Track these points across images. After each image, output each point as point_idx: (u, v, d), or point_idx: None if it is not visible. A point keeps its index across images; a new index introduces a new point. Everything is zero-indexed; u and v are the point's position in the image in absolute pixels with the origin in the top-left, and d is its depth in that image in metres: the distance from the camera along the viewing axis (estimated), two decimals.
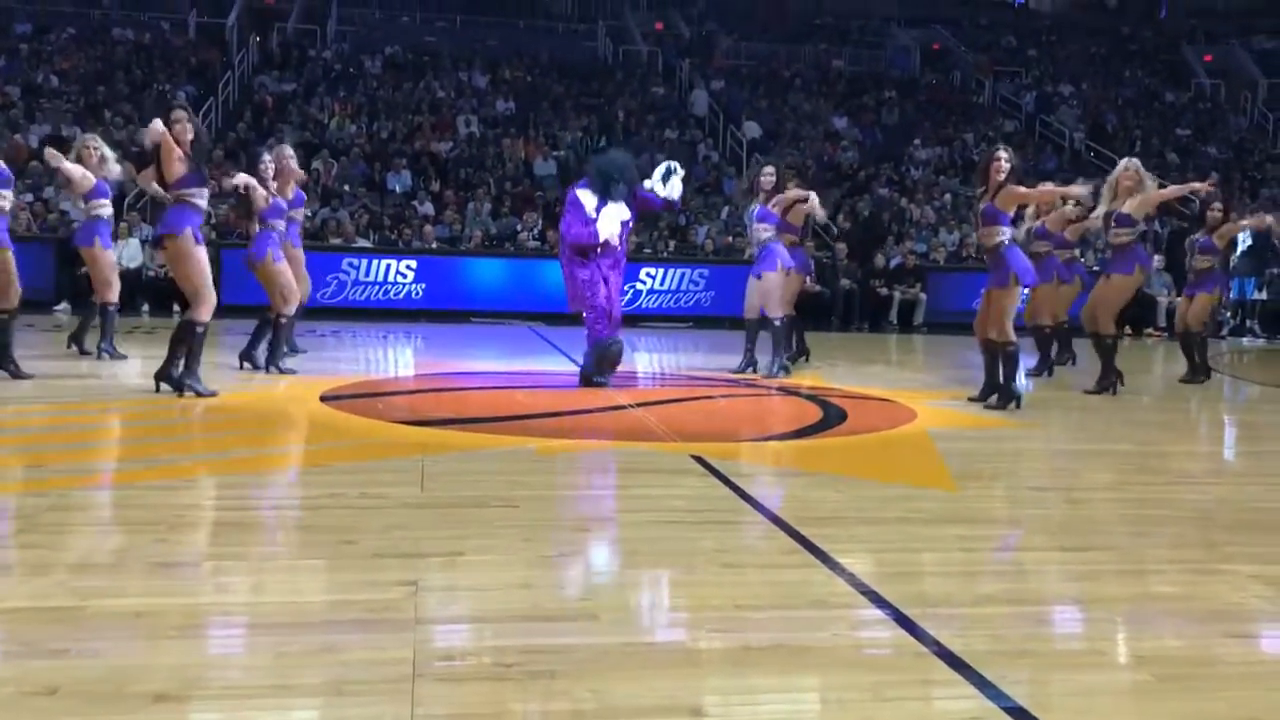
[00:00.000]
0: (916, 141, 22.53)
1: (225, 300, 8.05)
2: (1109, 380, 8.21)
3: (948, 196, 20.24)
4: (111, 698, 2.30)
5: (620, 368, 7.98)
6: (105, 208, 8.43)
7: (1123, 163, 8.29)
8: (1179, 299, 10.16)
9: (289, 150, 8.89)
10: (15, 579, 3.13)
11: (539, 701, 2.36)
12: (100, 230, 8.36)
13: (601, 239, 7.70)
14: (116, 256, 13.73)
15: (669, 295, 15.87)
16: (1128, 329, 14.58)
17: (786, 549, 3.66)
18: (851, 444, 5.96)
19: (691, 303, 15.65)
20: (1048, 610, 3.21)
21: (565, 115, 21.45)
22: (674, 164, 8.11)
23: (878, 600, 3.10)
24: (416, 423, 6.11)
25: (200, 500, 4.19)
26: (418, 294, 15.07)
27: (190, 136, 6.62)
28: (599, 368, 7.77)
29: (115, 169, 8.53)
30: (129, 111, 18.96)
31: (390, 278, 15.03)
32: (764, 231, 8.87)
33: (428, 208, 17.04)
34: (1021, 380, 7.49)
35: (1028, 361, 8.75)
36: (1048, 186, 8.11)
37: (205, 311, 6.62)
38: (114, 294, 8.59)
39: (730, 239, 16.97)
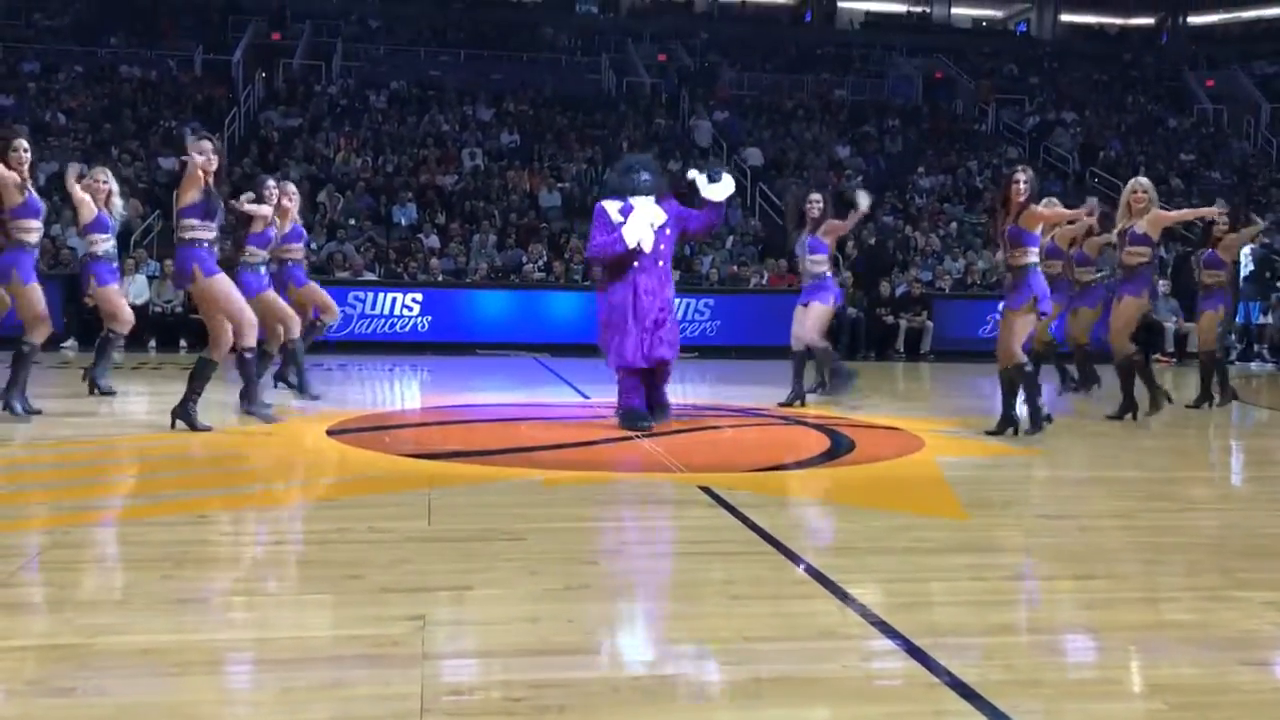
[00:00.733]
0: (920, 169, 22.59)
1: None
2: (1128, 405, 8.10)
3: (953, 224, 20.28)
4: None
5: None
6: (101, 243, 8.36)
7: (1132, 182, 8.23)
8: (1189, 324, 9.98)
9: (292, 188, 8.90)
10: (21, 617, 3.12)
11: None
12: (95, 269, 8.33)
13: (631, 244, 6.95)
14: (123, 293, 13.92)
15: None
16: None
17: (795, 580, 3.63)
18: (860, 473, 5.94)
19: (697, 333, 15.65)
20: (1060, 639, 3.18)
21: (569, 147, 21.55)
22: (720, 168, 7.37)
23: (888, 630, 3.08)
24: (423, 456, 6.10)
25: (207, 536, 4.17)
26: (424, 327, 15.08)
27: (214, 169, 6.69)
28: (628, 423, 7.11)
29: (119, 204, 8.57)
30: (136, 148, 19.10)
31: (396, 311, 15.06)
32: (818, 265, 8.78)
33: (433, 240, 17.11)
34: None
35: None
36: (1058, 208, 8.14)
37: (248, 336, 6.83)
38: (119, 326, 8.50)
39: (735, 268, 17.00)
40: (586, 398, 9.55)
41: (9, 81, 21.29)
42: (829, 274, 8.84)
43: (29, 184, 7.08)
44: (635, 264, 7.00)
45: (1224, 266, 9.13)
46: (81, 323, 12.97)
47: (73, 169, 8.20)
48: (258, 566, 3.83)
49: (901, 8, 37.00)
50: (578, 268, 16.60)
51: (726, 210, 7.21)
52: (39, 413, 7.08)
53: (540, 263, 16.67)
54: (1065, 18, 37.21)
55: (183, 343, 13.89)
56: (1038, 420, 7.10)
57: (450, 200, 18.76)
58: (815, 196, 9.04)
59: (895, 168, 22.90)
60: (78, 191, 8.18)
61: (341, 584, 3.45)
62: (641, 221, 6.97)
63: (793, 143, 23.31)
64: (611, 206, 7.03)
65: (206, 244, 6.72)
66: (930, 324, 16.17)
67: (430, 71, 25.50)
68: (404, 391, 10.70)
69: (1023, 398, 7.19)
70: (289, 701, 2.50)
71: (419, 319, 15.08)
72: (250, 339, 6.86)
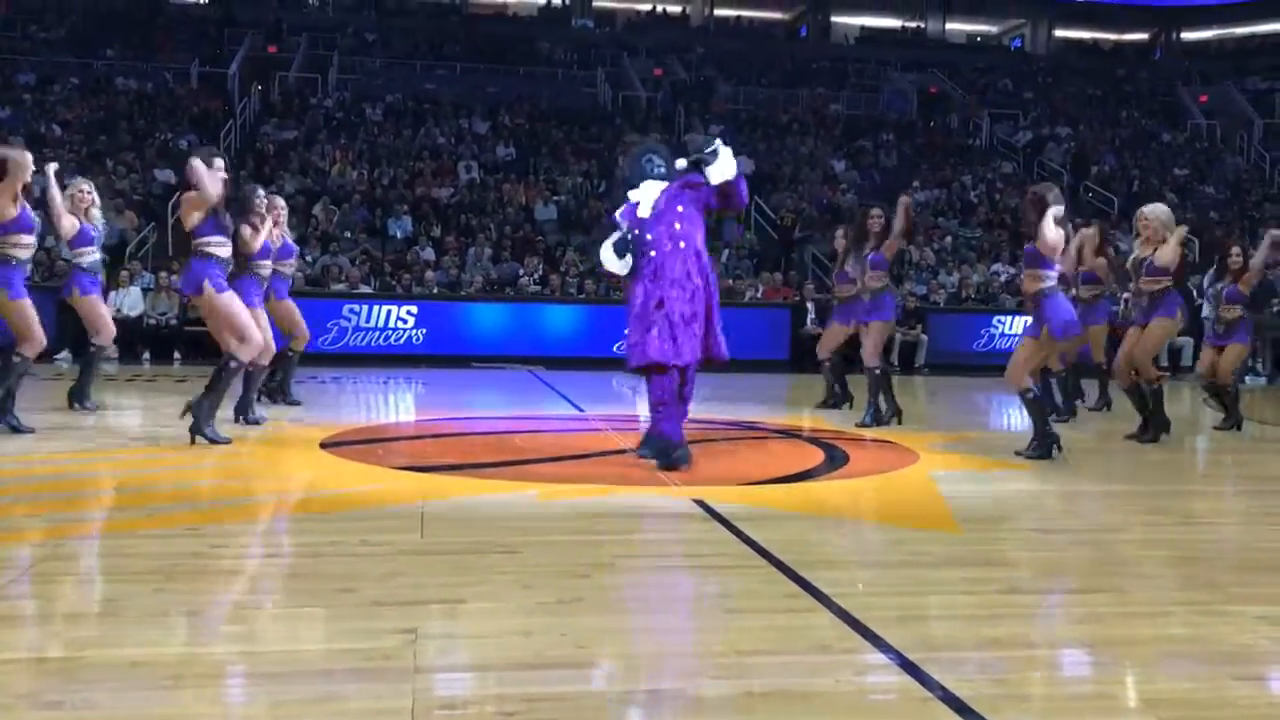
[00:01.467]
0: (915, 183, 22.65)
1: None
2: (1158, 426, 7.90)
3: (947, 238, 20.33)
4: None
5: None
6: (87, 255, 8.25)
7: (1140, 212, 8.08)
8: (1183, 339, 9.74)
9: (281, 202, 8.82)
10: (10, 630, 3.10)
11: None
12: (79, 279, 8.24)
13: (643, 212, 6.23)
14: (117, 305, 13.90)
15: None
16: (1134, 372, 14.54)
17: (789, 593, 3.63)
18: (854, 487, 5.93)
19: None
20: (1054, 653, 3.18)
21: (565, 160, 21.59)
22: (708, 142, 6.24)
23: (882, 645, 3.07)
24: (417, 469, 6.09)
25: (198, 549, 4.15)
26: (419, 339, 15.08)
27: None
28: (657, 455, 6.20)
29: (97, 215, 8.40)
30: (131, 160, 19.11)
31: (391, 323, 15.05)
32: (877, 280, 8.42)
33: (429, 253, 17.11)
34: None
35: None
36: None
37: (247, 352, 6.78)
38: (101, 338, 8.39)
39: (730, 281, 17.01)
40: (581, 411, 9.54)
41: (4, 93, 21.32)
42: (890, 292, 8.53)
43: (21, 197, 7.04)
44: (650, 254, 6.12)
45: (1243, 300, 8.94)
46: (76, 335, 12.93)
47: (51, 166, 7.85)
48: (249, 579, 3.81)
49: (896, 23, 37.17)
50: (573, 281, 16.62)
51: (741, 184, 6.11)
52: (32, 431, 7.01)
53: (536, 276, 16.68)
54: (1059, 33, 37.41)
55: (176, 355, 13.88)
56: (1046, 445, 6.93)
57: (446, 213, 18.78)
58: (876, 211, 8.71)
59: (890, 182, 22.96)
60: (59, 196, 7.92)
61: (333, 597, 3.44)
62: (650, 192, 6.27)
63: (788, 156, 23.38)
64: (632, 196, 6.38)
65: (221, 260, 6.78)
66: (925, 337, 16.20)
67: (426, 85, 25.57)
68: (398, 404, 10.69)
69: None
70: (280, 715, 2.48)
71: (414, 332, 15.07)
72: (248, 355, 6.84)
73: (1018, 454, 6.88)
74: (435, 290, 15.87)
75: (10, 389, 7.08)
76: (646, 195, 6.26)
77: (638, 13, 35.43)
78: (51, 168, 7.84)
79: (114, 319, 13.55)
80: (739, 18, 36.29)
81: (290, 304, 8.97)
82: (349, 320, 14.80)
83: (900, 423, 8.55)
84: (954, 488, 5.83)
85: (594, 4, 34.88)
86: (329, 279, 15.59)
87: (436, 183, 19.82)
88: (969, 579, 3.93)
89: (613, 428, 7.74)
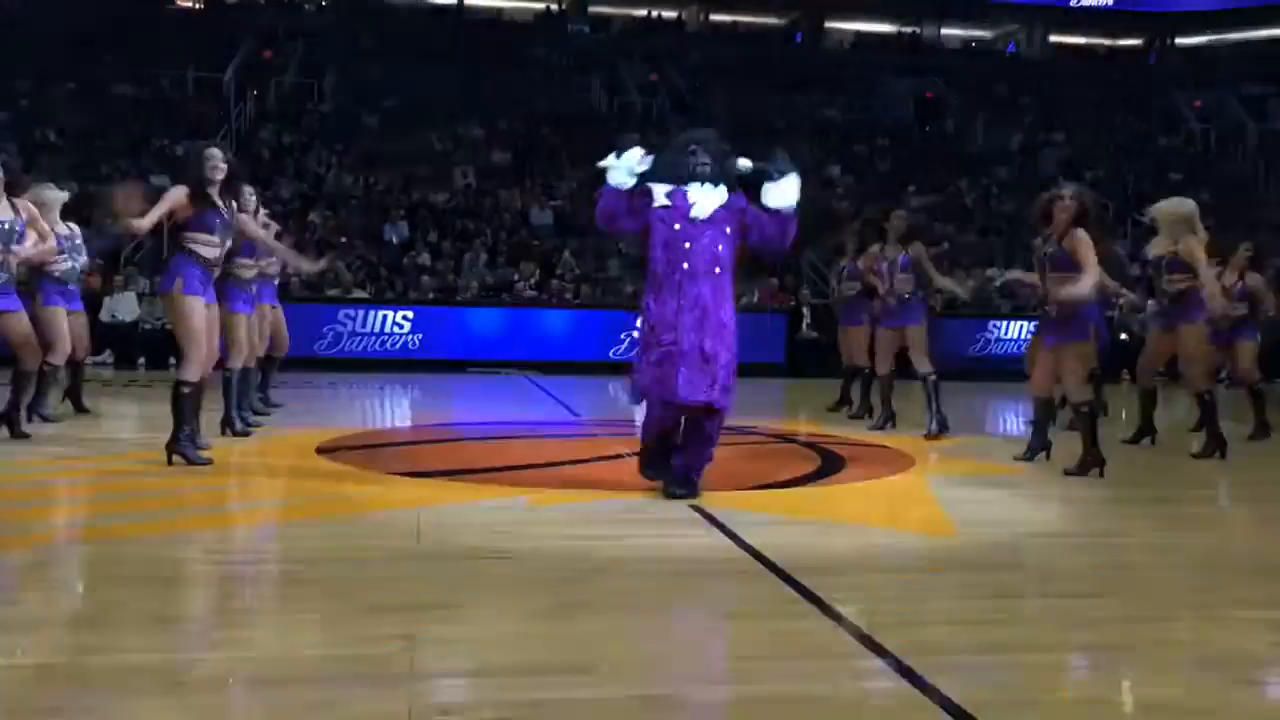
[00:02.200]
0: (911, 188, 22.68)
1: None
2: (1216, 443, 7.59)
3: (944, 244, 20.33)
4: None
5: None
6: (58, 264, 7.76)
7: (1158, 206, 7.84)
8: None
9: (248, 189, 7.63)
10: (6, 636, 3.09)
11: None
12: (44, 287, 7.72)
13: (697, 214, 5.32)
14: (112, 311, 13.88)
15: None
16: (1126, 373, 14.52)
17: (786, 598, 3.62)
18: (850, 491, 5.93)
19: None
20: (1052, 658, 3.17)
21: (561, 165, 21.59)
22: (784, 160, 5.64)
23: (878, 650, 3.06)
24: (413, 474, 6.08)
25: (195, 555, 4.15)
26: (415, 344, 15.06)
27: (220, 176, 6.13)
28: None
29: (56, 218, 7.87)
30: (127, 166, 19.08)
31: (387, 329, 15.03)
32: (907, 284, 8.14)
33: (425, 258, 17.11)
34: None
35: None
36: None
37: (192, 371, 6.12)
38: (55, 357, 7.68)
39: None
40: (577, 416, 9.53)
41: (1, 99, 21.28)
42: (919, 297, 8.17)
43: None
44: (684, 266, 5.27)
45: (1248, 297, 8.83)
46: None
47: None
48: (245, 585, 3.80)
49: (891, 28, 37.19)
50: (569, 285, 16.62)
51: (794, 218, 5.41)
52: (28, 437, 7.00)
53: (532, 281, 16.68)
54: (1054, 38, 37.43)
55: (172, 360, 13.82)
56: (1037, 447, 6.93)
57: (442, 218, 18.77)
58: (900, 213, 8.56)
59: (886, 186, 22.99)
60: (31, 208, 7.21)
61: (330, 603, 3.43)
62: (709, 199, 5.36)
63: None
64: (659, 189, 5.43)
65: (202, 261, 6.13)
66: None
67: (422, 90, 25.54)
68: (394, 409, 10.67)
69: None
70: None
71: (410, 337, 15.05)
72: (193, 374, 6.13)
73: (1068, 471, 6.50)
74: (431, 295, 15.85)
75: (43, 389, 7.42)
76: (703, 198, 5.35)
77: (633, 18, 35.42)
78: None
79: (108, 324, 13.74)
80: (734, 23, 36.29)
81: (278, 311, 8.54)
82: (345, 325, 14.78)
83: (895, 427, 8.55)
84: (950, 492, 5.83)
85: (590, 9, 34.86)
86: (324, 284, 15.58)
87: (432, 187, 19.81)
88: (965, 583, 3.93)
89: (607, 432, 7.73)
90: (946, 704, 2.66)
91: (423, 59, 27.67)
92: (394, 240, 17.81)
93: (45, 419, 7.79)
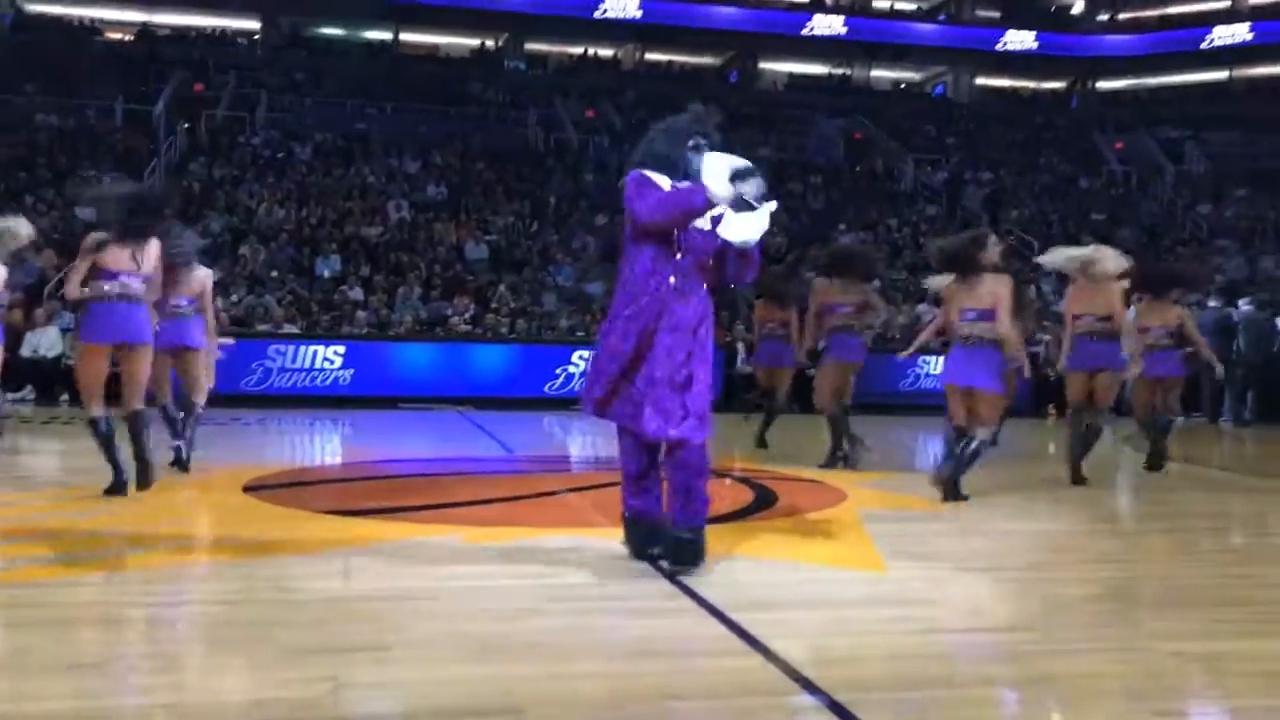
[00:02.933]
0: (842, 226, 23.02)
1: None
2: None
3: (875, 280, 20.61)
4: None
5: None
6: None
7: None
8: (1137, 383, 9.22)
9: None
10: None
11: None
12: None
13: (738, 237, 4.47)
14: (34, 346, 13.53)
15: None
16: (1051, 408, 14.79)
17: (716, 635, 3.62)
18: (782, 526, 5.96)
19: None
20: (980, 692, 3.20)
21: (496, 200, 21.59)
22: (757, 182, 4.49)
23: (810, 687, 3.07)
24: (342, 512, 6.00)
25: (112, 597, 4.04)
26: (346, 380, 14.88)
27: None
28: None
29: None
30: (52, 198, 18.72)
31: (317, 364, 14.84)
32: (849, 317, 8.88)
33: (357, 292, 16.96)
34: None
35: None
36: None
37: (93, 408, 6.21)
38: None
39: None
40: (511, 452, 9.48)
41: None
42: (854, 330, 8.78)
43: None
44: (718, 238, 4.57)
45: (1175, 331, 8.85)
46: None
47: None
48: (166, 628, 3.71)
49: (823, 69, 37.88)
50: (504, 320, 16.56)
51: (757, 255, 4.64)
52: None
53: (466, 315, 16.60)
54: (981, 81, 38.38)
55: None
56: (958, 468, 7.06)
57: (375, 251, 18.65)
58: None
59: (818, 224, 23.32)
60: None
61: (254, 646, 3.36)
62: (756, 220, 4.47)
63: None
64: (659, 179, 4.64)
65: (93, 298, 6.20)
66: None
67: (356, 124, 25.43)
68: (324, 446, 10.53)
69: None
70: None
71: (340, 372, 14.87)
72: (96, 410, 6.23)
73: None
74: (364, 330, 15.70)
75: None
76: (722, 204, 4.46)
77: (570, 56, 35.69)
78: None
79: (30, 360, 13.38)
80: (670, 62, 36.70)
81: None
82: (274, 360, 14.56)
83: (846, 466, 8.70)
84: (881, 526, 5.88)
85: (526, 47, 35.05)
86: (254, 319, 15.36)
87: (366, 221, 19.68)
88: (895, 617, 3.96)
89: (542, 469, 7.69)
90: None
91: (357, 93, 27.60)
92: (325, 274, 17.63)
93: None
